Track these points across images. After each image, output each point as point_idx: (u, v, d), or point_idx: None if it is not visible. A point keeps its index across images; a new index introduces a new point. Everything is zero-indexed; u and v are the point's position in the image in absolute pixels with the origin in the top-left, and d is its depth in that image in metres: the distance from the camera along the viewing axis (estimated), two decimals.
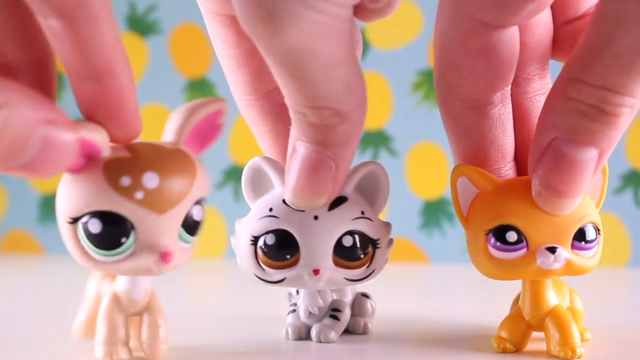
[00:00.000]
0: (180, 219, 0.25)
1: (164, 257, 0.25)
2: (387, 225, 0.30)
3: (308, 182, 0.27)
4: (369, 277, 0.30)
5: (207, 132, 0.27)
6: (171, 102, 0.70)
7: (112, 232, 0.25)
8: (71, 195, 0.25)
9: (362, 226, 0.29)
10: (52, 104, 0.23)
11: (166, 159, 0.25)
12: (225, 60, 0.31)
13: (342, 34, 0.25)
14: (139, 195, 0.24)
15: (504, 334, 0.29)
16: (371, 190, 0.30)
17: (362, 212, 0.29)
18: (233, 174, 0.69)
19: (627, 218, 0.64)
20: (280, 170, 0.29)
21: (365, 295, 0.34)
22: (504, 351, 0.29)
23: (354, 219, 0.29)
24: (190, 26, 0.71)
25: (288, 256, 0.29)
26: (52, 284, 0.55)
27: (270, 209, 0.29)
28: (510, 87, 0.29)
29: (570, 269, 0.27)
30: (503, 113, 0.28)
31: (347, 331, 0.33)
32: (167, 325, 0.28)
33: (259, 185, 0.30)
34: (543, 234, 0.27)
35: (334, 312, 0.32)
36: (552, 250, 0.27)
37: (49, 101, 0.22)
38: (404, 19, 0.67)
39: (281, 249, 0.29)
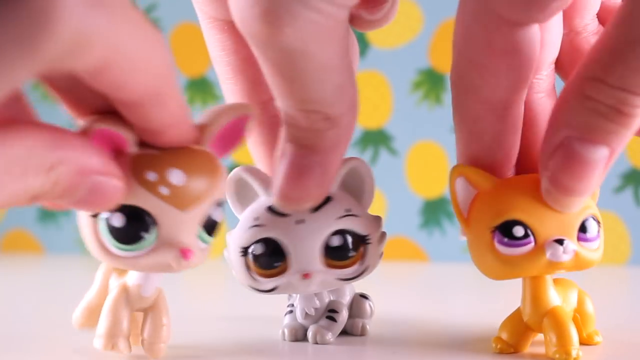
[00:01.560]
0: (201, 218, 0.25)
1: (185, 253, 0.25)
2: (376, 220, 0.30)
3: (294, 186, 0.27)
4: (363, 274, 0.30)
5: (231, 137, 0.27)
6: None
7: (134, 226, 0.25)
8: None
9: (348, 224, 0.29)
10: (102, 153, 0.23)
11: (192, 158, 0.25)
12: (221, 67, 0.31)
13: (338, 36, 0.24)
14: (164, 190, 0.25)
15: (503, 335, 0.29)
16: (356, 187, 0.30)
17: (348, 210, 0.29)
18: None
19: (627, 217, 0.64)
20: (262, 178, 0.29)
21: (363, 296, 0.33)
22: (501, 352, 0.29)
23: (339, 218, 0.29)
24: (190, 26, 0.71)
25: (277, 264, 0.29)
26: (52, 284, 0.55)
27: (256, 218, 0.29)
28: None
29: (578, 261, 0.27)
30: (517, 116, 0.28)
31: (345, 332, 0.32)
32: (170, 325, 0.28)
33: (245, 195, 0.30)
34: (549, 227, 0.27)
35: (330, 313, 0.31)
36: (560, 242, 0.27)
37: (99, 151, 0.23)
38: (404, 19, 0.67)
39: (269, 257, 0.29)
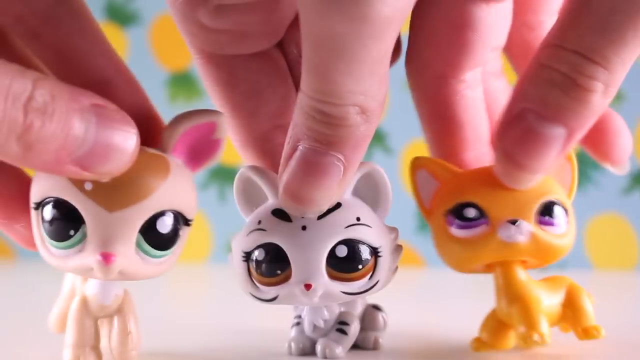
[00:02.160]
0: (136, 224, 0.24)
1: (106, 258, 0.24)
2: (391, 230, 0.29)
3: (308, 186, 0.25)
4: (372, 289, 0.28)
5: (201, 147, 0.26)
6: (152, 96, 0.69)
7: (62, 222, 0.24)
8: (39, 181, 0.25)
9: (358, 234, 0.27)
10: (95, 94, 0.23)
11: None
12: (218, 102, 0.30)
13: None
14: (88, 186, 0.24)
15: (483, 335, 0.29)
16: (370, 194, 0.29)
17: (358, 219, 0.28)
18: (218, 174, 0.67)
19: (636, 220, 0.63)
20: (272, 179, 0.28)
21: (376, 308, 0.32)
22: (477, 350, 0.29)
23: (347, 227, 0.27)
24: (171, 17, 0.70)
25: (279, 271, 0.27)
26: (24, 289, 0.55)
27: (259, 222, 0.28)
28: (481, 70, 0.30)
29: (538, 245, 0.27)
30: (478, 96, 0.29)
31: (355, 346, 0.31)
32: (138, 331, 0.27)
33: (254, 196, 0.29)
34: (503, 209, 0.27)
35: (341, 325, 0.30)
36: (513, 222, 0.27)
37: (92, 92, 0.23)
38: None
39: (271, 264, 0.28)
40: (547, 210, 0.27)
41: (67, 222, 0.24)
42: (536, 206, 0.27)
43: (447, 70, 0.28)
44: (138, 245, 0.25)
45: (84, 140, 0.22)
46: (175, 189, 0.25)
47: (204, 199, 0.72)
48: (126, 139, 0.23)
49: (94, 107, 0.22)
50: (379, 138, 0.66)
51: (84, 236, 0.24)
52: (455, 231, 0.28)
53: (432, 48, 0.28)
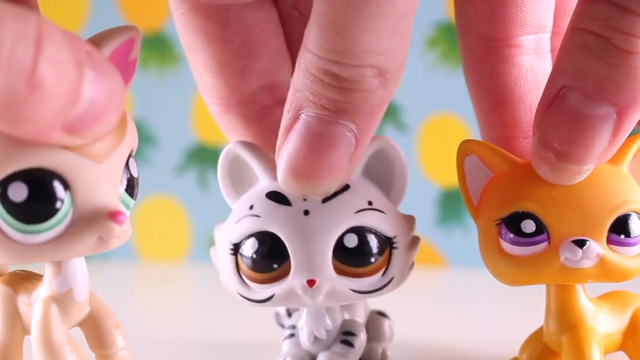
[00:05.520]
0: (119, 172, 0.24)
1: (115, 217, 0.23)
2: (407, 219, 0.29)
3: (314, 160, 0.25)
4: (386, 287, 0.28)
5: (121, 67, 0.25)
6: None
7: (42, 196, 0.23)
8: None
9: (370, 220, 0.27)
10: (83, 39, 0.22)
11: None
12: (201, 58, 0.31)
13: None
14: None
15: (523, 357, 0.30)
16: (383, 174, 0.29)
17: (370, 203, 0.28)
18: (198, 156, 0.67)
19: None
20: (266, 157, 0.28)
21: (381, 314, 0.33)
22: None
23: (358, 212, 0.27)
24: None
25: (275, 266, 0.27)
26: None
27: (251, 207, 0.28)
28: (549, 39, 0.30)
29: (606, 270, 0.26)
30: (537, 66, 0.28)
31: None
32: (121, 326, 0.26)
33: (242, 179, 0.29)
34: (569, 224, 0.26)
35: (346, 336, 0.30)
36: (580, 244, 0.26)
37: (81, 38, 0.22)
38: None
39: (265, 257, 0.27)
40: (623, 226, 0.26)
41: (48, 194, 0.23)
42: (610, 222, 0.26)
43: (493, 30, 0.28)
44: (120, 197, 0.24)
45: (82, 99, 0.21)
46: (131, 126, 0.25)
47: (181, 185, 0.72)
48: (119, 95, 0.22)
49: (88, 58, 0.21)
50: (391, 113, 0.65)
51: (72, 204, 0.23)
52: (507, 247, 0.27)
53: (472, 4, 0.28)
